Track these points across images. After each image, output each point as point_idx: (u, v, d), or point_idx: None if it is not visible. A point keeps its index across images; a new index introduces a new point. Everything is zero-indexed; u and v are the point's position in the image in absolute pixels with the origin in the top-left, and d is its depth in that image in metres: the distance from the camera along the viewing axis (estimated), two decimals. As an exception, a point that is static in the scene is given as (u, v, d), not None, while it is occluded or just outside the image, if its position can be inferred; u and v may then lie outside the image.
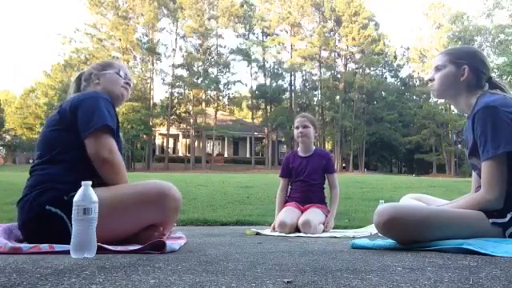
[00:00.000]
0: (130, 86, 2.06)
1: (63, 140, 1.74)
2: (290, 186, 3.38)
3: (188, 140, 39.21)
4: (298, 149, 3.41)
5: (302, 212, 3.13)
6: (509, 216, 1.60)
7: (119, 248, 1.50)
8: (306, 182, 3.25)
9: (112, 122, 1.75)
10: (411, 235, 1.64)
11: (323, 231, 3.03)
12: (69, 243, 1.35)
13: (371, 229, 3.15)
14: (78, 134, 1.72)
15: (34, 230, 1.62)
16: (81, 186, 1.56)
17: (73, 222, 1.33)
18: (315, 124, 3.40)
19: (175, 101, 38.58)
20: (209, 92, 38.95)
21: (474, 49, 1.96)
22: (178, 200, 1.75)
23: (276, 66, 40.61)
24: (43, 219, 1.60)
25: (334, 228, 3.34)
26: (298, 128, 3.32)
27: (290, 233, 2.91)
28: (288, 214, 3.06)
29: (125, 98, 2.05)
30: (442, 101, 43.18)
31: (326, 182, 3.34)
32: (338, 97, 40.50)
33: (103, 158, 1.69)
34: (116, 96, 1.98)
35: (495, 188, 1.61)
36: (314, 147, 3.39)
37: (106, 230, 1.50)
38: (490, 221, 1.61)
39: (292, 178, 3.35)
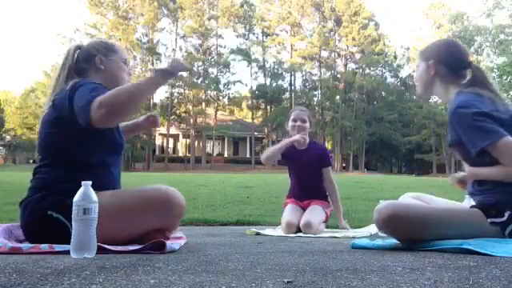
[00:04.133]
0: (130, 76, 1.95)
1: (63, 142, 1.68)
2: (289, 178, 3.37)
3: (188, 140, 39.21)
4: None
5: (303, 208, 3.14)
6: (506, 215, 1.59)
7: (119, 248, 1.50)
8: (303, 176, 3.24)
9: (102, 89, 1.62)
10: (410, 233, 1.65)
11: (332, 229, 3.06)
12: (69, 243, 1.34)
13: (371, 229, 3.15)
14: (78, 130, 1.61)
15: (35, 232, 1.61)
16: None
17: (73, 222, 1.32)
18: (311, 120, 3.32)
19: (175, 101, 38.58)
20: (209, 92, 38.95)
21: (444, 41, 1.96)
22: (183, 206, 1.72)
23: (276, 66, 40.63)
24: (45, 223, 1.58)
25: (333, 228, 3.35)
26: (295, 121, 3.21)
27: (295, 232, 2.93)
28: (293, 213, 3.07)
29: None
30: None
31: None
32: (338, 97, 40.50)
33: (97, 106, 1.52)
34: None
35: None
36: (308, 140, 3.22)
37: (109, 236, 1.49)
38: (489, 220, 1.60)
39: (289, 167, 3.32)
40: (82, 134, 1.65)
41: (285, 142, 3.14)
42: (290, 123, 3.25)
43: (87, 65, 1.84)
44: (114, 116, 1.59)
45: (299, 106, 3.44)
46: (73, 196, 1.52)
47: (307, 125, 3.24)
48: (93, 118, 1.53)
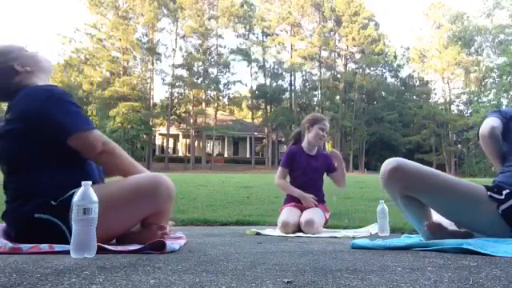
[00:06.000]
0: None
1: (35, 148, 1.61)
2: (288, 179, 3.36)
3: (188, 140, 39.21)
4: (304, 145, 3.31)
5: (301, 210, 3.14)
6: (504, 193, 1.72)
7: (119, 248, 1.50)
8: (306, 180, 3.25)
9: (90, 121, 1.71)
10: (412, 188, 1.78)
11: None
12: (63, 243, 1.34)
13: (371, 229, 3.16)
14: (49, 136, 1.60)
15: (27, 238, 1.55)
16: (67, 189, 1.55)
17: (73, 222, 1.32)
18: None
19: (175, 101, 38.58)
20: (209, 92, 38.95)
21: None
22: (171, 189, 1.70)
23: (276, 66, 40.62)
24: (34, 227, 1.54)
25: (333, 228, 3.35)
26: (323, 130, 3.25)
27: (293, 232, 2.92)
28: (290, 214, 3.07)
29: None
30: (442, 101, 42.90)
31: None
32: (338, 97, 40.49)
33: (100, 150, 1.63)
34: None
35: None
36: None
37: (103, 229, 1.46)
38: (488, 193, 1.74)
39: (293, 172, 3.31)
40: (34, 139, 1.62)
41: (297, 193, 3.18)
42: (317, 130, 3.23)
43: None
44: (108, 159, 1.68)
45: (324, 116, 3.39)
46: (57, 197, 1.52)
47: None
48: (92, 144, 1.62)
